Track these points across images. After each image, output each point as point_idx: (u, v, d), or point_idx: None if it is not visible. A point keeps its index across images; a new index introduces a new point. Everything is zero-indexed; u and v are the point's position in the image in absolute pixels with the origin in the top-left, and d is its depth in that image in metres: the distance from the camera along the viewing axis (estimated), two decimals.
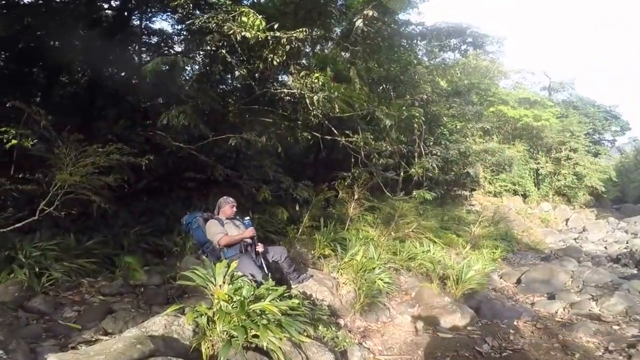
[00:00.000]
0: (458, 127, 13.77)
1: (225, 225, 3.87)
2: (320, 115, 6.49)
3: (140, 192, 6.60)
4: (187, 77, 7.67)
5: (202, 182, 6.86)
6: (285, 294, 2.96)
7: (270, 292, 2.83)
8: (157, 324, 2.60)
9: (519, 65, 44.77)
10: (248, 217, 3.98)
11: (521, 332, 4.25)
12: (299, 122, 6.76)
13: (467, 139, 14.64)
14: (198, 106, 5.44)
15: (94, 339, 2.83)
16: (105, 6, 6.77)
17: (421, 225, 7.33)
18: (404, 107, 6.78)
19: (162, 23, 8.75)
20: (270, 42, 5.16)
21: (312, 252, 5.74)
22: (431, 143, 12.11)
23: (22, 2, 5.88)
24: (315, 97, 5.87)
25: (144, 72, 4.76)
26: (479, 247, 8.39)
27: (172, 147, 5.49)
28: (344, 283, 4.48)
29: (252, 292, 2.76)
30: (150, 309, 3.56)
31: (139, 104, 7.32)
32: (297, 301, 2.95)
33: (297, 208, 6.98)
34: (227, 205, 4.07)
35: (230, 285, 2.77)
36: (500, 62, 21.18)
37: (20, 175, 3.51)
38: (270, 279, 3.41)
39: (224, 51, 5.69)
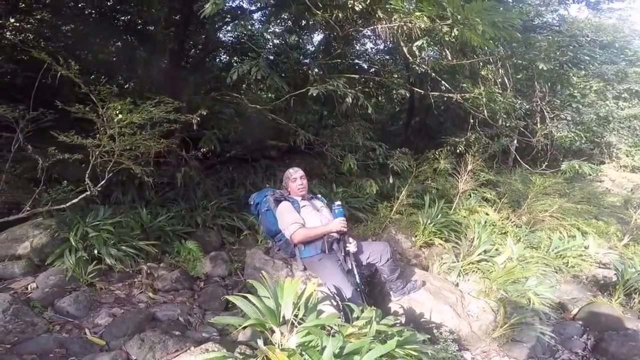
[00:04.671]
0: (594, 88, 10.86)
1: (302, 210, 2.59)
2: (425, 67, 4.72)
3: (227, 162, 6.25)
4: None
5: (284, 150, 6.27)
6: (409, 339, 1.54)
7: (375, 341, 1.44)
8: None
9: None
10: (339, 203, 2.59)
11: None
12: (395, 77, 5.06)
13: (608, 102, 11.57)
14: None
15: None
16: None
17: (562, 207, 5.06)
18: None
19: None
20: None
21: (413, 239, 4.21)
22: (557, 105, 9.45)
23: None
24: (417, 44, 4.22)
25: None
26: None
27: (248, 108, 4.41)
28: (473, 296, 2.82)
29: (339, 343, 1.40)
30: (204, 318, 2.55)
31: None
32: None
33: (391, 180, 5.42)
34: (290, 180, 2.71)
35: (301, 330, 1.46)
36: (632, 21, 15.72)
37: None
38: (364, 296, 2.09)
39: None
